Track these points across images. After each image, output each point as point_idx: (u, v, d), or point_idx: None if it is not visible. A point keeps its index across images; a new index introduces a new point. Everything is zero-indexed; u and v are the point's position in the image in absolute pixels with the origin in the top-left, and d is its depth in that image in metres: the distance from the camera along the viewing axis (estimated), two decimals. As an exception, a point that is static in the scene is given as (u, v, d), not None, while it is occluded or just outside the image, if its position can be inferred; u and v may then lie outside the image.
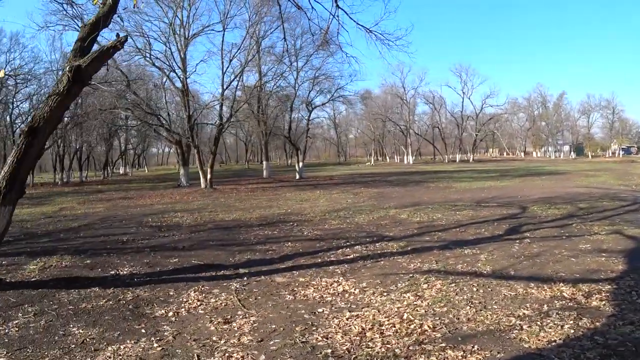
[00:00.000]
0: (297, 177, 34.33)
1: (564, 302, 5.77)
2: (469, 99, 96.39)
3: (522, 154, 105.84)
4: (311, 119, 49.92)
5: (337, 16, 9.10)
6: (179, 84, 28.52)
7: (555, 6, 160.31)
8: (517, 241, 9.56)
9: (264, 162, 39.01)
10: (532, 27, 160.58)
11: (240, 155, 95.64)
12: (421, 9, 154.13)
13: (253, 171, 44.24)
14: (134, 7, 8.20)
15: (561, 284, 6.46)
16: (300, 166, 35.63)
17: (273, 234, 11.57)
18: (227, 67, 28.73)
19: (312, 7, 9.43)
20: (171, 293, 6.73)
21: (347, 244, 9.83)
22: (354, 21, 9.25)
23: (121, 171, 65.21)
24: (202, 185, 27.41)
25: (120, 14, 7.35)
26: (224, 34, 28.24)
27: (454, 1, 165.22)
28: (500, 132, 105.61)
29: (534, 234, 10.38)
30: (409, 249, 9.11)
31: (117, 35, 7.20)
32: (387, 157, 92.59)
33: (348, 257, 8.67)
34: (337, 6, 8.96)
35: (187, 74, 28.50)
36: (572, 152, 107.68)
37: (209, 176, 27.32)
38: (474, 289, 6.31)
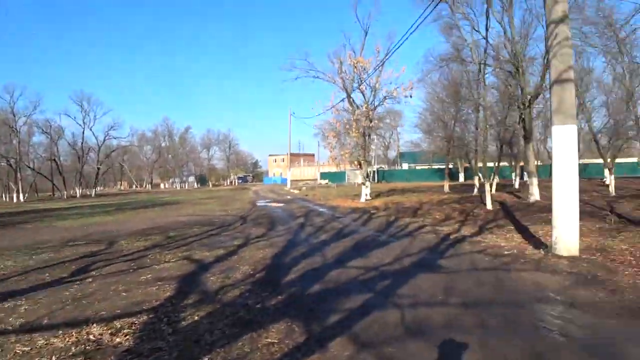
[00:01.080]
0: None
1: (85, 346, 5.49)
2: (91, 130, 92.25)
3: (150, 185, 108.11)
4: None
5: None
6: None
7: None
8: (79, 282, 8.99)
9: None
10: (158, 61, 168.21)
11: None
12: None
13: None
14: None
15: (94, 325, 6.20)
16: None
17: None
18: None
19: None
20: None
21: None
22: None
23: None
24: None
25: None
26: None
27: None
28: (128, 165, 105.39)
29: (102, 271, 10.02)
30: None
31: None
32: (-7, 196, 79.38)
33: None
34: None
35: None
36: (196, 182, 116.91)
37: None
38: (-23, 353, 5.41)
